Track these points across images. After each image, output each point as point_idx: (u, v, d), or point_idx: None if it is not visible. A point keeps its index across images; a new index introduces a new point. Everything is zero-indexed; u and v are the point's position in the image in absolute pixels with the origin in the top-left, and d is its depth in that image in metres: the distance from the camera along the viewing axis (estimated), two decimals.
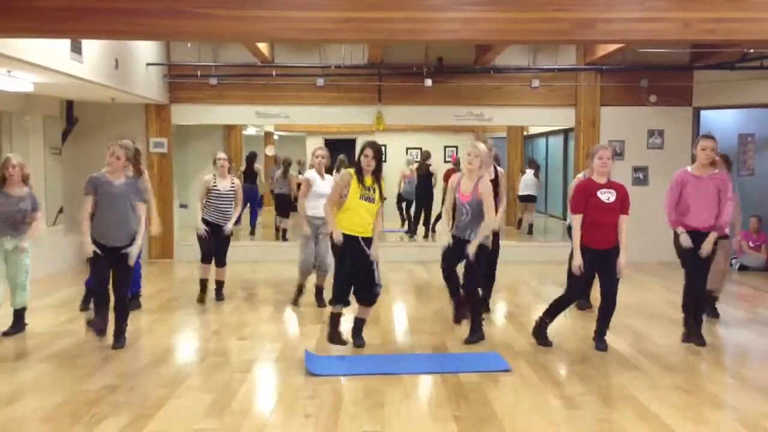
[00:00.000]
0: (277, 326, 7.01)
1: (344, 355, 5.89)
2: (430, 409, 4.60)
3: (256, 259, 10.95)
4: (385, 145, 18.65)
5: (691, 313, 6.41)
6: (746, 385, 5.20)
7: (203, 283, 8.06)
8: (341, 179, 6.13)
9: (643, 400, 4.75)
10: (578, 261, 5.93)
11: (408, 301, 8.24)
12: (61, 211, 10.46)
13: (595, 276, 6.15)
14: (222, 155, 8.09)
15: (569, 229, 6.37)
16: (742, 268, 10.70)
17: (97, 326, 6.05)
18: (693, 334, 6.36)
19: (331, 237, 6.03)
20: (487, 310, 7.45)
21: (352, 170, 6.05)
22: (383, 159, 6.09)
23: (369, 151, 5.92)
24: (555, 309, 6.26)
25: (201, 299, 7.98)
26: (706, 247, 6.19)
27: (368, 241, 5.99)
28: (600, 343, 6.10)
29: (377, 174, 5.98)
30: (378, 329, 6.77)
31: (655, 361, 5.76)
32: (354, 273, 5.96)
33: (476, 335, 6.30)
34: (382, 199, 6.07)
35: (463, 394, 4.88)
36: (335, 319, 6.10)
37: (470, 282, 6.28)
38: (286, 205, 12.89)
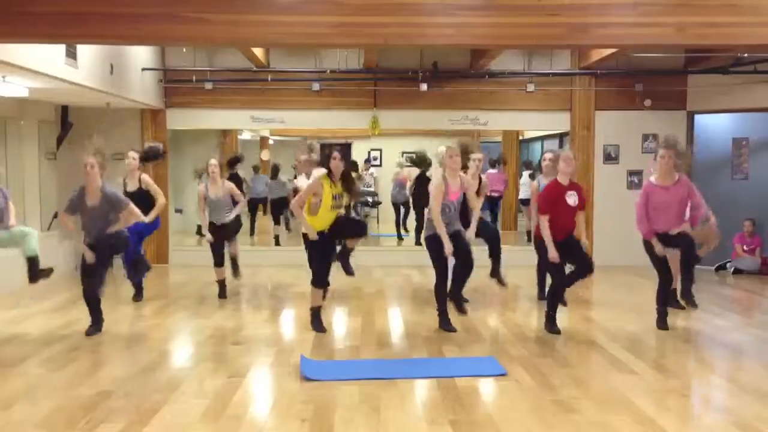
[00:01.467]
0: (273, 331, 7.00)
1: (340, 360, 5.89)
2: (425, 414, 4.59)
3: (252, 263, 10.93)
4: (380, 150, 18.82)
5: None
6: (741, 388, 5.20)
7: (221, 283, 8.45)
8: (313, 185, 6.49)
9: (639, 404, 4.75)
10: (554, 253, 6.54)
11: (404, 306, 8.22)
12: (55, 216, 10.42)
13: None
14: (212, 161, 8.18)
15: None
16: (737, 271, 10.73)
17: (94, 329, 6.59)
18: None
19: (305, 236, 6.69)
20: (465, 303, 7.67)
21: (323, 178, 6.42)
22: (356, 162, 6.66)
23: (337, 154, 6.39)
24: (554, 300, 6.81)
25: (222, 295, 8.42)
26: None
27: (336, 224, 6.60)
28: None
29: (348, 179, 6.49)
30: (374, 333, 6.77)
31: (650, 364, 5.77)
32: (330, 254, 6.77)
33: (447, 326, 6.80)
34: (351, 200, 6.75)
35: (459, 398, 4.88)
36: (316, 312, 6.80)
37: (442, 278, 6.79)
38: (282, 208, 12.86)
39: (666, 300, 6.97)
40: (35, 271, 6.64)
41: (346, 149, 6.96)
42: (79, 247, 6.57)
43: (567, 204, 6.59)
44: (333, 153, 6.38)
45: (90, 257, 6.40)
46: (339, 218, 6.64)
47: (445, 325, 6.81)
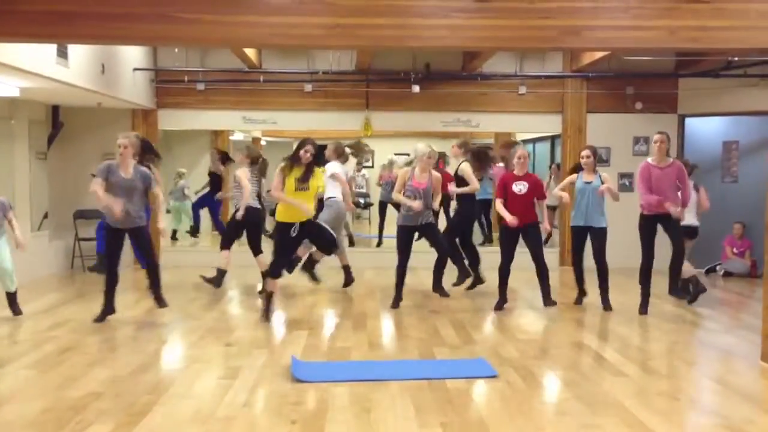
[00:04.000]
0: (264, 332, 6.99)
1: (331, 362, 5.89)
2: (416, 416, 4.59)
3: (244, 264, 10.90)
4: (373, 151, 18.78)
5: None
6: (731, 390, 5.23)
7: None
8: (277, 171, 7.04)
9: (629, 406, 4.77)
10: (509, 217, 7.65)
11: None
12: (45, 216, 10.38)
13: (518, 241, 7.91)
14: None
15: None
16: (727, 274, 10.78)
17: (105, 314, 7.11)
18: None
19: (277, 225, 7.10)
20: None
21: (283, 166, 7.01)
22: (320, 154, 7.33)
23: (309, 147, 6.95)
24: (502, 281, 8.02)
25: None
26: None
27: (308, 223, 7.05)
28: (547, 300, 7.79)
29: (310, 166, 7.00)
30: (365, 335, 6.76)
31: (641, 366, 5.79)
32: (291, 252, 7.37)
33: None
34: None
35: (450, 400, 4.88)
36: (269, 297, 7.18)
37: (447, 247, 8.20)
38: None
39: (647, 281, 7.71)
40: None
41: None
42: (109, 202, 6.81)
43: (513, 191, 7.76)
44: (306, 146, 6.95)
45: (119, 209, 6.80)
46: (312, 222, 7.13)
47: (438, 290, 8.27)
